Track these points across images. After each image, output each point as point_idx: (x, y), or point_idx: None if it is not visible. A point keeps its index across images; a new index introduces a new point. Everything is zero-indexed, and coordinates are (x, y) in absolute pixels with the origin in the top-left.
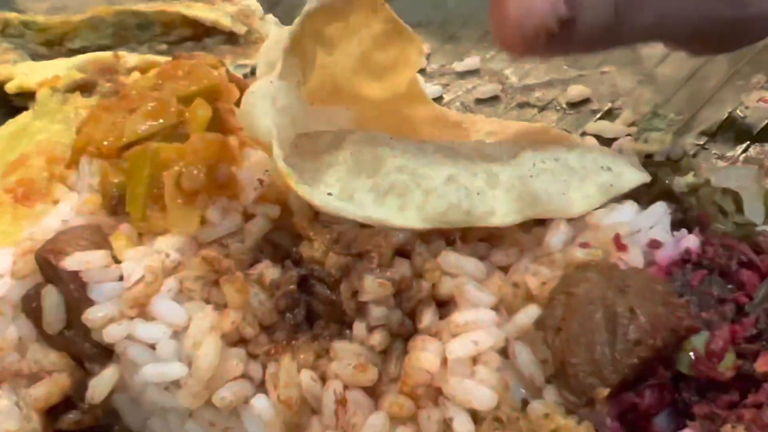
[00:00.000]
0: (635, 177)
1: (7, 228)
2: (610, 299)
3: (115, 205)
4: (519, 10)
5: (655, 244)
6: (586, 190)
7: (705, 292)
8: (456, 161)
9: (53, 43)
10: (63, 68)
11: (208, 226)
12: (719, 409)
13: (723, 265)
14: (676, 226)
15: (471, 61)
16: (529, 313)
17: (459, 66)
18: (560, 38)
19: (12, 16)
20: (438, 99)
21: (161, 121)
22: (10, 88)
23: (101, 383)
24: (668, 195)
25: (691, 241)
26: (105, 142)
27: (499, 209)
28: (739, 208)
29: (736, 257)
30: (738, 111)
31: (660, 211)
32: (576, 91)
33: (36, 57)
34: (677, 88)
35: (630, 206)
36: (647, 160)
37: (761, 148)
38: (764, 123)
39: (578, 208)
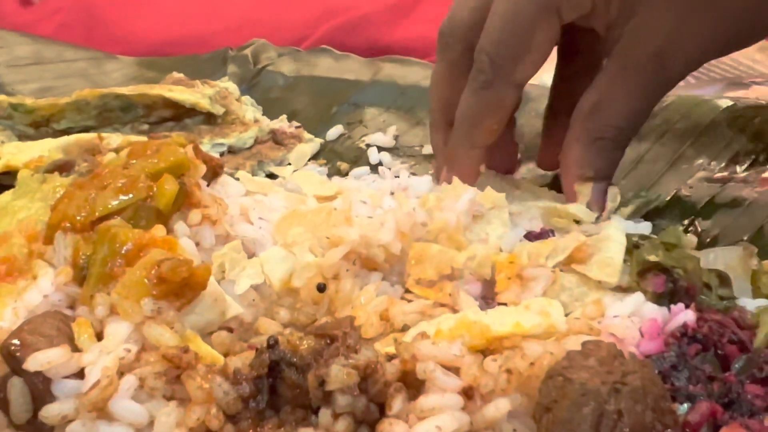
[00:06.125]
0: None
1: None
2: (603, 397)
3: (84, 277)
4: None
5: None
6: None
7: (697, 367)
8: None
9: (40, 124)
10: (48, 149)
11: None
12: None
13: (716, 341)
14: (666, 296)
15: None
16: (499, 406)
17: (425, 149)
18: None
19: (1, 98)
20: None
21: (131, 195)
22: None
23: None
24: (658, 267)
25: (688, 316)
26: (78, 217)
27: None
28: (725, 284)
29: (727, 335)
30: (683, 190)
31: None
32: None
33: (23, 137)
34: (627, 171)
35: (638, 297)
36: (640, 236)
37: (704, 222)
38: (706, 200)
39: None
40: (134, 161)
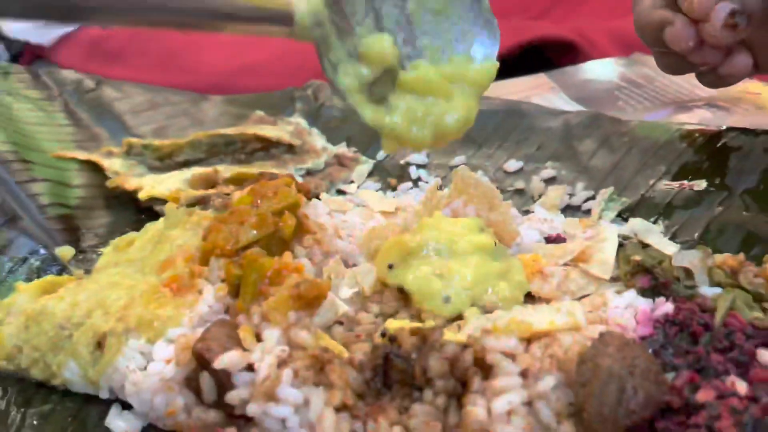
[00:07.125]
0: None
1: (172, 313)
2: (623, 377)
3: (237, 291)
4: None
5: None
6: None
7: (677, 345)
8: None
9: (164, 158)
10: (177, 180)
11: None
12: (672, 425)
13: (688, 324)
14: (649, 290)
15: (459, 159)
16: (547, 382)
17: (451, 162)
18: None
19: (135, 141)
20: (440, 188)
21: (263, 229)
22: (143, 196)
23: None
24: (643, 268)
25: (668, 306)
26: (227, 246)
27: None
28: (690, 278)
29: (696, 318)
30: (648, 193)
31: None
32: (534, 183)
33: (152, 169)
34: (604, 176)
35: (631, 293)
36: (623, 236)
37: (669, 221)
38: (666, 201)
39: None
40: (260, 201)
